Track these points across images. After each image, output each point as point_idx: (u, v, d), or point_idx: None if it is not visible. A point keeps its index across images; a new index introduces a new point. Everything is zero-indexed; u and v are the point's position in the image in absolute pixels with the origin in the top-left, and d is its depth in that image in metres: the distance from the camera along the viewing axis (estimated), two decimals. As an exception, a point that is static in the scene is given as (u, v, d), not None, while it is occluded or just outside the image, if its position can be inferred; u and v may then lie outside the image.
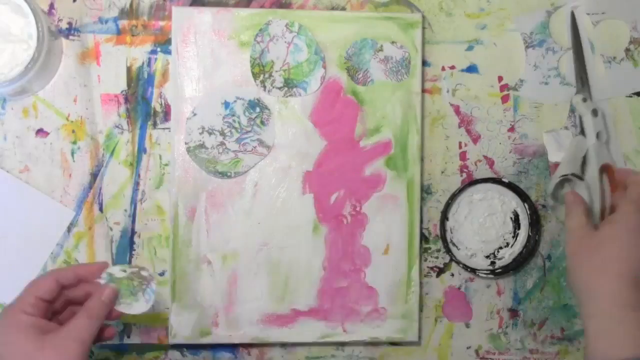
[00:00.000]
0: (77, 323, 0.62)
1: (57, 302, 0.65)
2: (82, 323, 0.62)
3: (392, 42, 0.77)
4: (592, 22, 0.80)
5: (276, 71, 0.76)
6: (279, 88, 0.76)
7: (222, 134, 0.75)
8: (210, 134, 0.75)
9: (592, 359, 0.65)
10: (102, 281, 0.65)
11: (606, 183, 0.78)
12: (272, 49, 0.76)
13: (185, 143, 0.75)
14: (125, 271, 0.66)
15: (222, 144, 0.75)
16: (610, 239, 0.68)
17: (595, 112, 0.78)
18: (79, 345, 0.61)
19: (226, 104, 0.75)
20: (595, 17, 0.80)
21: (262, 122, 0.75)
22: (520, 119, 0.80)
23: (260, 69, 0.76)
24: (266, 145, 0.76)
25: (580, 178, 0.77)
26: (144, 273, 0.66)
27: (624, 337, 0.64)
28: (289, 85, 0.76)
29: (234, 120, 0.75)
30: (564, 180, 0.77)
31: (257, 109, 0.75)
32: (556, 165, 0.79)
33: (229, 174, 0.76)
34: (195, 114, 0.75)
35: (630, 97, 0.80)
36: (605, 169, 0.78)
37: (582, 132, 0.78)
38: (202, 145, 0.75)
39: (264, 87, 0.76)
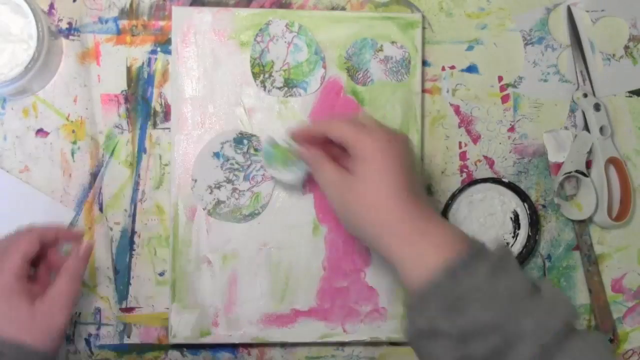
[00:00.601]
0: (62, 286, 0.64)
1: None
2: (66, 286, 0.64)
3: (392, 42, 0.77)
4: (591, 19, 0.80)
5: (276, 71, 0.76)
6: (279, 88, 0.76)
7: (229, 181, 0.75)
8: (219, 188, 0.75)
9: (409, 286, 0.60)
10: (263, 143, 0.73)
11: (614, 177, 0.79)
12: (272, 49, 0.76)
13: (203, 209, 0.75)
14: (288, 144, 0.71)
15: (234, 190, 0.75)
16: (369, 169, 0.63)
17: (597, 107, 0.78)
18: (67, 309, 0.64)
19: (216, 155, 0.75)
20: (594, 15, 0.80)
21: (255, 150, 0.75)
22: (520, 119, 0.80)
23: (260, 69, 0.76)
24: None
25: (585, 175, 0.78)
26: (302, 156, 0.70)
27: (425, 252, 0.60)
28: (289, 85, 0.76)
29: (231, 164, 0.75)
30: (568, 177, 0.78)
31: (245, 141, 0.75)
32: (556, 165, 0.79)
33: (257, 211, 0.76)
34: (195, 180, 0.75)
35: (630, 97, 0.81)
36: (612, 163, 0.78)
37: (586, 128, 0.79)
38: (218, 202, 0.75)
39: (264, 87, 0.76)
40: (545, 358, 0.54)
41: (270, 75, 0.76)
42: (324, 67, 0.76)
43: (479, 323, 0.55)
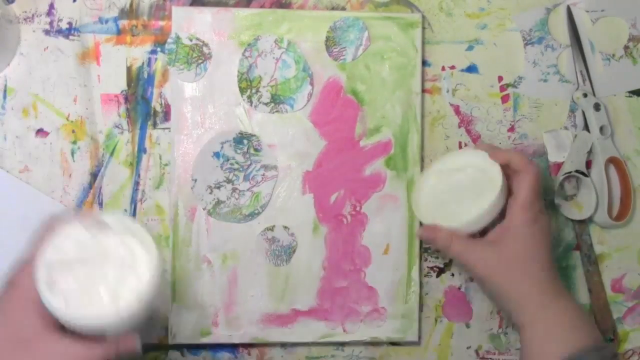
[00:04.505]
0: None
1: None
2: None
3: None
4: (591, 19, 0.80)
5: (263, 87, 0.76)
6: (266, 104, 0.76)
7: (229, 181, 0.75)
8: (219, 188, 0.75)
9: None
10: (169, 40, 0.71)
11: (614, 177, 0.79)
12: (260, 64, 0.76)
13: (203, 209, 0.75)
14: (191, 40, 0.69)
15: (234, 189, 0.75)
16: (514, 237, 0.69)
17: (597, 107, 0.78)
18: None
19: (216, 154, 0.75)
20: (594, 15, 0.80)
21: (255, 150, 0.75)
22: (520, 119, 0.80)
23: (247, 84, 0.76)
24: (272, 167, 0.76)
25: (585, 175, 0.78)
26: (205, 50, 0.68)
27: (564, 333, 0.66)
28: (276, 101, 0.76)
29: (231, 164, 0.75)
30: (568, 177, 0.78)
31: (245, 141, 0.75)
32: (556, 165, 0.79)
33: (257, 211, 0.76)
34: (195, 180, 0.75)
35: (630, 97, 0.81)
36: (612, 163, 0.78)
37: (586, 127, 0.79)
38: (218, 202, 0.75)
39: (251, 102, 0.76)
40: None
41: (257, 91, 0.76)
42: (312, 84, 0.76)
43: None
